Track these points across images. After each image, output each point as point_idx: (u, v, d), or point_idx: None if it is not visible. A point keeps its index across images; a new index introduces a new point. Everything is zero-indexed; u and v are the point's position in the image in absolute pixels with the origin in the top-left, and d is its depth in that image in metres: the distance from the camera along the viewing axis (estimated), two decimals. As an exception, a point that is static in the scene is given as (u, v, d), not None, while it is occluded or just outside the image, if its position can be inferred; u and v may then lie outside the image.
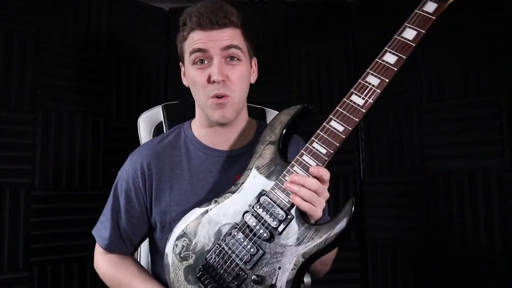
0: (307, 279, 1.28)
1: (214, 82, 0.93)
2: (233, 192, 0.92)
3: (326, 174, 0.84)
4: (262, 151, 0.93)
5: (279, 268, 0.80)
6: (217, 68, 0.93)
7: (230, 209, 0.89)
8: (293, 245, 0.81)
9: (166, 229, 1.01)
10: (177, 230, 0.93)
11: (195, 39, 0.94)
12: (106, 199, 1.73)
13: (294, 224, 0.82)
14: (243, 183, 0.91)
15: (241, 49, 0.96)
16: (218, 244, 0.87)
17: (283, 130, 0.92)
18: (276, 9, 1.97)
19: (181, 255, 0.90)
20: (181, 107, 1.33)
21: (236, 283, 0.82)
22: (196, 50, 0.94)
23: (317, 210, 0.83)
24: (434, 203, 1.67)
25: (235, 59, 0.96)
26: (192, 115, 1.12)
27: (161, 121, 1.29)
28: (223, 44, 0.93)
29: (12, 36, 1.57)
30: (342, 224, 0.78)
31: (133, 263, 1.06)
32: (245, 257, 0.83)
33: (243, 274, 0.82)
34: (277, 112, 1.35)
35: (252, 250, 0.83)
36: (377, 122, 1.88)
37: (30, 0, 1.62)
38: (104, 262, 1.07)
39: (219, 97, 0.95)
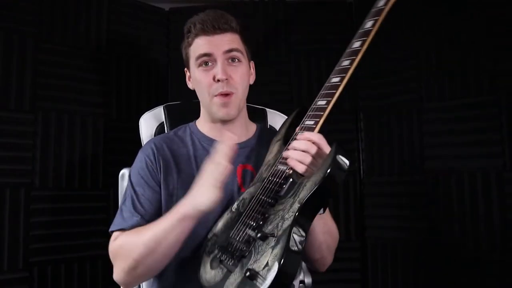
0: (307, 279, 1.28)
1: (218, 81, 1.04)
2: (250, 187, 1.01)
3: (312, 135, 0.91)
4: (271, 149, 1.05)
5: (280, 220, 0.85)
6: (221, 69, 1.04)
7: (247, 199, 0.98)
8: (291, 197, 0.87)
9: None
10: (209, 234, 1.00)
11: (200, 44, 1.06)
12: (106, 199, 1.76)
13: (292, 184, 0.90)
14: (257, 177, 1.02)
15: (241, 51, 1.08)
16: (237, 226, 0.94)
17: (286, 129, 1.06)
18: (276, 9, 1.97)
19: (209, 250, 0.97)
20: (182, 108, 1.33)
21: (245, 248, 0.87)
22: (202, 54, 1.05)
23: (303, 166, 0.90)
24: (434, 203, 1.67)
25: (236, 60, 1.07)
26: (194, 116, 1.15)
27: (163, 122, 1.29)
28: (224, 48, 1.05)
29: (12, 36, 1.57)
30: (326, 166, 0.84)
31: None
32: (253, 224, 0.89)
33: (252, 239, 0.88)
34: (278, 112, 1.38)
35: (259, 216, 0.90)
36: (377, 122, 1.88)
37: (30, 0, 1.62)
38: (125, 236, 1.01)
39: (223, 95, 1.05)
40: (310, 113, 0.96)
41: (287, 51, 1.96)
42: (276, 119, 1.36)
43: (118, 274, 0.99)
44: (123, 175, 1.25)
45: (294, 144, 0.93)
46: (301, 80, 1.95)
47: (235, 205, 1.00)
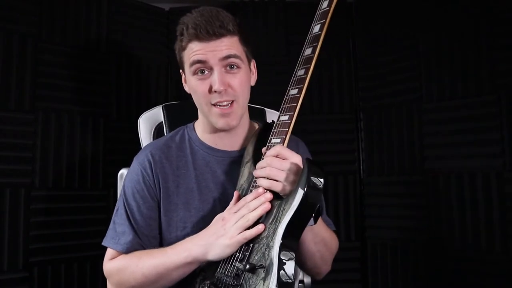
0: (307, 279, 1.28)
1: (215, 91, 0.96)
2: None
3: (273, 149, 0.89)
4: (242, 172, 1.00)
5: (266, 248, 0.83)
6: (218, 78, 0.95)
7: None
8: (272, 223, 0.85)
9: (171, 228, 1.02)
10: (196, 269, 0.96)
11: (194, 50, 0.96)
12: (106, 199, 1.76)
13: (271, 207, 0.87)
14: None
15: (239, 57, 0.98)
16: (223, 260, 0.91)
17: (253, 148, 1.02)
18: (276, 9, 1.97)
19: None
20: (181, 107, 1.33)
21: (235, 282, 0.85)
22: (196, 61, 0.96)
23: (279, 184, 0.86)
24: (434, 203, 1.67)
25: (235, 67, 0.98)
26: (193, 116, 1.13)
27: (161, 121, 1.29)
28: (221, 55, 0.95)
29: (12, 36, 1.57)
30: (302, 185, 0.81)
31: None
32: (240, 255, 0.87)
33: (240, 271, 0.85)
34: (277, 112, 1.37)
35: (244, 247, 0.87)
36: (377, 122, 1.88)
37: (30, 0, 1.62)
38: (123, 259, 0.99)
39: (222, 105, 0.98)
40: (275, 130, 0.93)
41: (287, 51, 1.96)
42: (275, 119, 1.36)
43: None
44: (122, 174, 1.25)
45: (261, 162, 0.89)
46: (301, 80, 1.95)
47: None
